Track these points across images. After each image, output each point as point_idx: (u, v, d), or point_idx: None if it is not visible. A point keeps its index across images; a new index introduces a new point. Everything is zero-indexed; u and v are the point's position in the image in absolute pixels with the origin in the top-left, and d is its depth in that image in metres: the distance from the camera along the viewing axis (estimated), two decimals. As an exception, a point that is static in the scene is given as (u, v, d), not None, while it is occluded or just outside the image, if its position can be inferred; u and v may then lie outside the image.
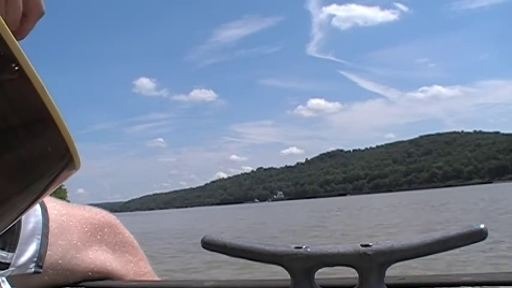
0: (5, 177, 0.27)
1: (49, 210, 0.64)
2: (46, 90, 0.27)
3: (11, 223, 0.31)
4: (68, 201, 0.78)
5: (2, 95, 0.26)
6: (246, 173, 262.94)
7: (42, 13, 0.35)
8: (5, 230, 0.31)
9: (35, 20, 0.35)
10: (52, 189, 0.30)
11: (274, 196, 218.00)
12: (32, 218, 0.62)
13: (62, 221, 0.66)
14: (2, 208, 0.28)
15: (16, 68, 0.26)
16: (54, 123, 0.28)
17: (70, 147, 0.29)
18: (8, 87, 0.26)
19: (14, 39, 0.26)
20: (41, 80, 0.27)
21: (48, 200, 0.66)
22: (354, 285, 0.47)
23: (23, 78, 0.26)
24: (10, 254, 0.58)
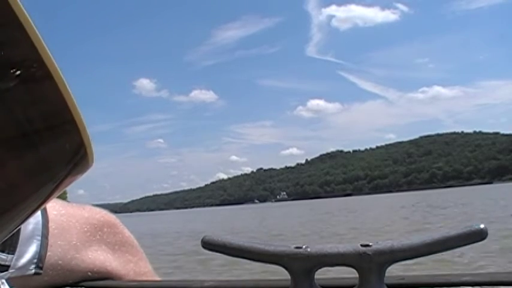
0: (23, 178, 0.27)
1: (49, 211, 0.64)
2: (70, 91, 0.28)
3: (22, 222, 0.31)
4: (68, 202, 0.77)
5: (27, 95, 0.26)
6: (246, 174, 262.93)
7: None
8: (17, 228, 0.31)
9: None
10: (64, 187, 0.31)
11: (278, 196, 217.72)
12: (32, 219, 0.61)
13: (62, 221, 0.66)
14: (19, 206, 0.29)
15: (42, 68, 0.26)
16: (76, 124, 0.28)
17: (87, 147, 0.29)
18: (34, 88, 0.26)
19: (42, 41, 0.26)
20: (65, 81, 0.27)
21: (48, 200, 0.66)
22: (354, 285, 0.47)
23: (48, 79, 0.27)
24: (10, 256, 0.58)
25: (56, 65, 0.27)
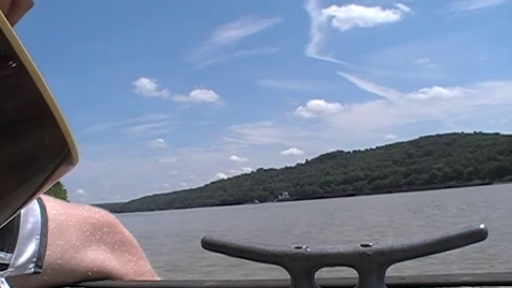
0: (2, 171, 0.27)
1: (48, 210, 0.64)
2: (46, 84, 0.27)
3: (8, 219, 0.30)
4: (68, 201, 0.77)
5: (1, 89, 0.26)
6: (246, 174, 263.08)
7: (32, 4, 0.34)
8: (2, 226, 0.31)
9: (25, 10, 0.34)
10: (50, 184, 0.30)
11: (280, 196, 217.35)
12: (31, 218, 0.61)
13: (61, 220, 0.66)
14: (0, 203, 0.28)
15: (15, 62, 0.26)
16: (53, 117, 0.28)
17: (69, 141, 0.29)
18: (7, 81, 0.26)
19: (14, 33, 0.26)
20: (40, 74, 0.27)
21: (47, 200, 0.66)
22: (354, 285, 0.47)
23: (22, 73, 0.26)
24: (9, 255, 0.58)
25: (30, 59, 0.26)
